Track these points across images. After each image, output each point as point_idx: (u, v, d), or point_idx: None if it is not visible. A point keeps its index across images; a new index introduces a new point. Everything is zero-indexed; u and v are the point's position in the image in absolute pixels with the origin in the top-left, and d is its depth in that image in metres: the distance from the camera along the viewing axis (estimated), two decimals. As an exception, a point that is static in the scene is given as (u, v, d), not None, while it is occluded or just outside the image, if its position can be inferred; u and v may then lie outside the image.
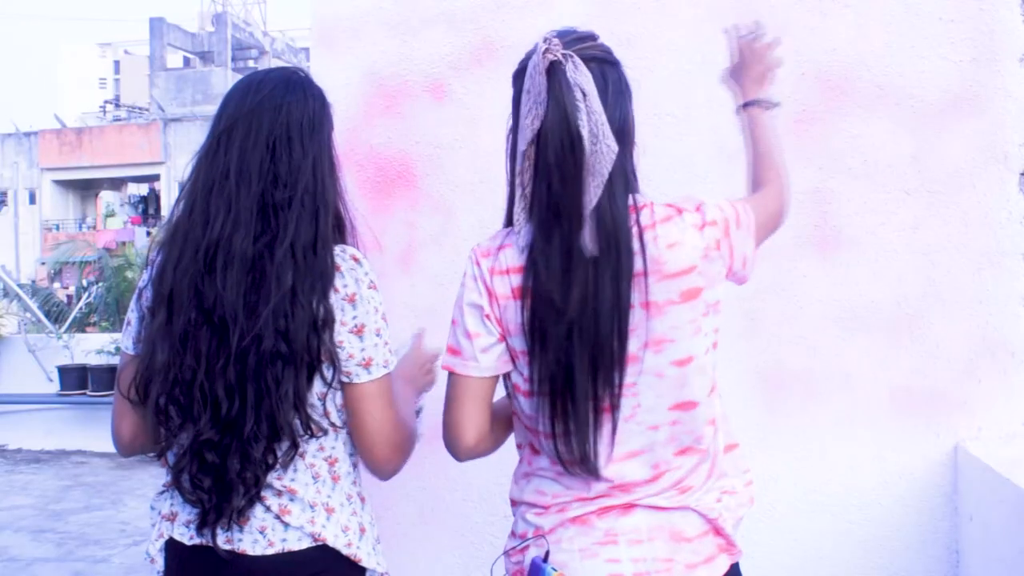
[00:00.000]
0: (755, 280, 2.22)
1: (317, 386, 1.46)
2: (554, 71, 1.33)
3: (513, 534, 1.47)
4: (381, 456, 1.53)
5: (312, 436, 1.47)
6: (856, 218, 2.24)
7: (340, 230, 1.56)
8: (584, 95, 1.32)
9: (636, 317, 1.33)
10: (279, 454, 1.46)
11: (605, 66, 1.40)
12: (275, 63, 34.89)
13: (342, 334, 1.46)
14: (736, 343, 2.25)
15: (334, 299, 1.46)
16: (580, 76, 1.33)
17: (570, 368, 1.33)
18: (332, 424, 1.50)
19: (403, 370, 1.71)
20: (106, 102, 39.62)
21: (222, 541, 1.49)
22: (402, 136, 2.42)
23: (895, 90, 2.23)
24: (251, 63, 35.73)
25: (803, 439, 2.25)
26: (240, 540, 1.49)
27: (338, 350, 1.45)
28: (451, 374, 1.42)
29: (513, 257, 1.38)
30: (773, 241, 2.22)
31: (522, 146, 1.35)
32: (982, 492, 2.06)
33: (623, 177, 1.36)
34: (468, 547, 2.40)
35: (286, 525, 1.48)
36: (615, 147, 1.32)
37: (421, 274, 2.43)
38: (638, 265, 1.33)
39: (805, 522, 2.25)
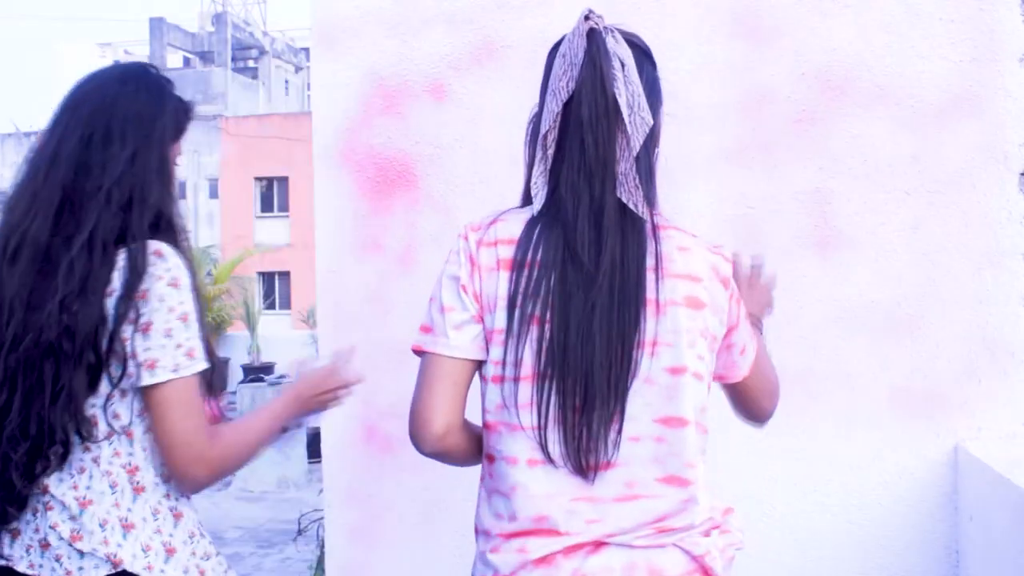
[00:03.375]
0: (755, 280, 2.24)
1: (104, 387, 1.38)
2: (594, 37, 1.29)
3: None
4: (175, 467, 1.41)
5: (90, 440, 1.38)
6: (856, 218, 2.24)
7: (163, 228, 1.47)
8: (623, 65, 1.28)
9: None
10: (50, 459, 1.36)
11: (644, 60, 1.36)
12: (275, 63, 34.92)
13: (126, 331, 1.37)
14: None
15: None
16: (620, 48, 1.29)
17: (591, 345, 1.22)
18: (122, 428, 1.40)
19: (298, 384, 1.61)
20: (106, 102, 39.49)
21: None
22: (402, 136, 2.42)
23: (895, 90, 2.23)
24: (251, 63, 35.73)
25: (803, 439, 2.25)
26: (13, 556, 1.38)
27: (122, 347, 1.37)
28: (422, 355, 1.32)
29: (505, 229, 1.30)
30: (773, 241, 2.23)
31: (554, 108, 1.28)
32: (982, 492, 2.06)
33: (648, 169, 1.31)
34: (469, 547, 2.38)
35: (80, 553, 1.36)
36: (650, 120, 1.27)
37: (421, 274, 2.42)
38: (651, 260, 1.27)
39: (805, 522, 2.25)
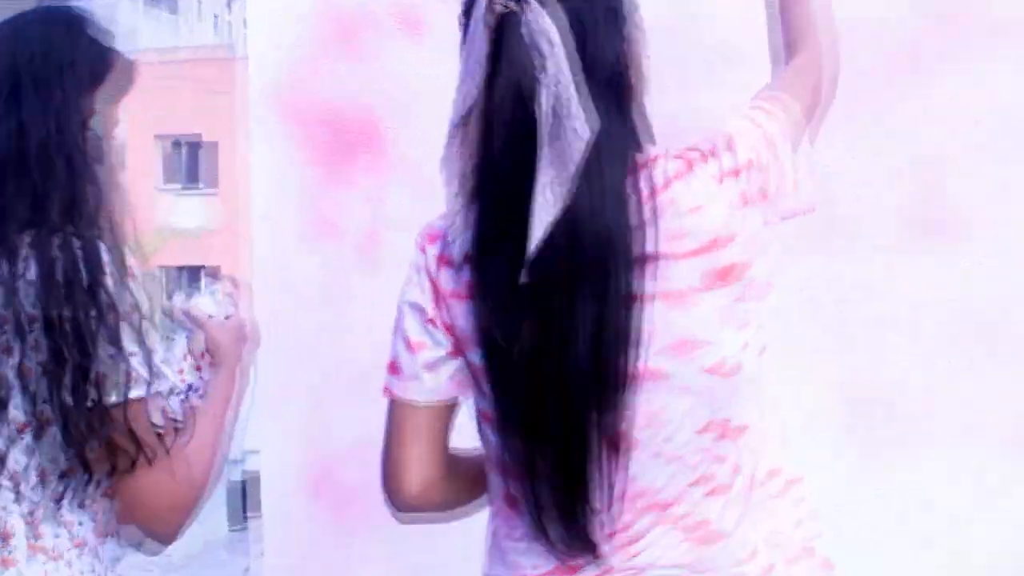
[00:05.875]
0: (843, 279, 1.96)
1: None
2: (505, 25, 1.16)
3: None
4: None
5: None
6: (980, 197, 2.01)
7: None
8: (544, 55, 1.15)
9: (648, 313, 1.16)
10: None
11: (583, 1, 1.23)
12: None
13: None
14: (819, 355, 2.00)
15: None
16: (543, 22, 1.15)
17: (541, 416, 1.17)
18: None
19: (220, 347, 1.53)
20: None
21: None
22: (364, 84, 2.21)
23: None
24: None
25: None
26: None
27: None
28: (391, 400, 1.27)
29: (469, 242, 1.23)
30: (876, 228, 1.97)
31: (455, 120, 1.19)
32: None
33: (621, 139, 1.20)
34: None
35: None
36: (586, 132, 1.15)
37: (390, 268, 2.15)
38: (649, 245, 1.17)
39: None
